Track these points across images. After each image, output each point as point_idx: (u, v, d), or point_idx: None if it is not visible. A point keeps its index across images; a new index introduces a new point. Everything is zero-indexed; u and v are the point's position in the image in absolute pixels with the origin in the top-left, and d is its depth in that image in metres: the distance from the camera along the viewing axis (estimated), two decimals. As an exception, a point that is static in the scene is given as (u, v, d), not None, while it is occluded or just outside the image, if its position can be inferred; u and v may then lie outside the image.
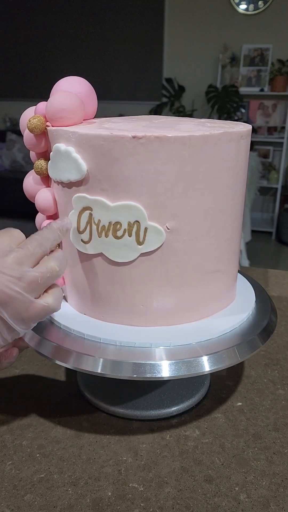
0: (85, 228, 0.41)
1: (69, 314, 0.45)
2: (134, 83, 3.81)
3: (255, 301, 0.49)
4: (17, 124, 4.20)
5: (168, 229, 0.39)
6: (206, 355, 0.39)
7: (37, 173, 0.43)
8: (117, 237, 0.39)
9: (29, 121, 0.40)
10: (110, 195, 0.38)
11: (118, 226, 0.39)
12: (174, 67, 3.64)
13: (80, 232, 0.41)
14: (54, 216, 0.45)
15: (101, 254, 0.41)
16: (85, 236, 0.41)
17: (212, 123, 0.44)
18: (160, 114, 3.57)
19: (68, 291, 0.47)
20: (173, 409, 0.48)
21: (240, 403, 0.50)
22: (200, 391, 0.50)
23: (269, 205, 3.79)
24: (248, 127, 0.42)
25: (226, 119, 3.33)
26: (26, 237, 0.37)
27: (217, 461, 0.42)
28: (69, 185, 0.41)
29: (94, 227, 0.40)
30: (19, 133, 4.14)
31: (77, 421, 0.47)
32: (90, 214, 0.40)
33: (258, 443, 0.45)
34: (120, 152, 0.37)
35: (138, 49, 3.70)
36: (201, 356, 0.39)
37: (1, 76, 4.16)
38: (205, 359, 0.39)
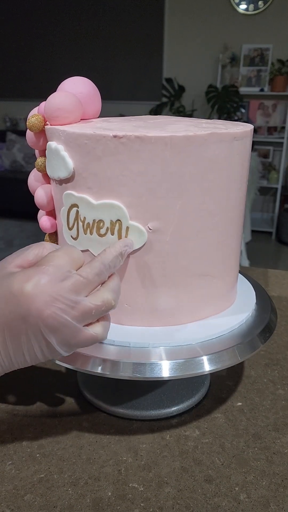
0: (73, 225, 0.41)
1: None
2: (134, 83, 3.81)
3: (255, 301, 0.49)
4: (17, 124, 4.20)
5: (150, 229, 0.39)
6: (206, 355, 0.39)
7: (38, 170, 0.45)
8: (100, 235, 0.39)
9: (29, 119, 0.41)
10: (94, 193, 0.39)
11: (102, 224, 0.39)
12: (174, 67, 3.64)
13: (69, 229, 0.42)
14: (52, 212, 0.46)
15: (87, 251, 0.41)
16: (74, 233, 0.42)
17: (209, 124, 0.43)
18: (160, 114, 3.57)
19: None
20: (173, 409, 0.48)
21: (240, 403, 0.50)
22: (200, 391, 0.50)
23: (269, 205, 3.79)
24: (247, 128, 0.42)
25: (226, 119, 3.33)
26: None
27: (217, 461, 0.42)
28: (60, 182, 0.42)
29: (80, 224, 0.41)
30: (19, 133, 4.17)
31: (77, 421, 0.47)
32: (77, 211, 0.41)
33: (258, 443, 0.45)
34: (103, 151, 0.37)
35: (138, 49, 3.70)
36: (201, 356, 0.39)
37: (1, 76, 4.16)
38: (205, 359, 0.39)
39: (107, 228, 0.39)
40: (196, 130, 0.38)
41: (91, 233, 0.40)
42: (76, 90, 0.42)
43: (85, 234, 0.40)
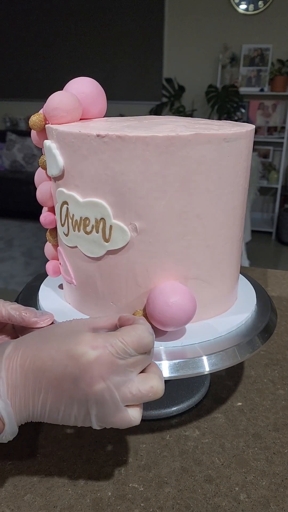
0: (65, 221, 0.42)
1: (68, 312, 0.45)
2: (134, 83, 3.81)
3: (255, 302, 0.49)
4: (17, 124, 4.20)
5: (137, 229, 0.38)
6: (206, 355, 0.39)
7: (41, 167, 0.46)
8: (87, 233, 0.40)
9: (30, 118, 0.42)
10: (81, 191, 0.40)
11: (87, 222, 0.40)
12: (174, 67, 3.64)
13: (62, 225, 0.43)
14: (53, 208, 0.47)
15: (77, 247, 0.42)
16: (65, 229, 0.43)
17: (202, 124, 0.42)
18: (160, 114, 3.57)
19: (64, 287, 0.48)
20: (173, 409, 0.48)
21: (240, 403, 0.50)
22: (200, 391, 0.51)
23: (269, 205, 3.79)
24: (242, 129, 0.40)
25: (226, 119, 3.33)
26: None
27: (217, 461, 0.42)
28: (54, 179, 0.43)
29: (70, 221, 0.41)
30: (19, 133, 4.17)
31: (77, 421, 0.47)
32: (67, 209, 0.41)
33: (258, 443, 0.45)
34: (87, 150, 0.37)
35: (138, 49, 3.70)
36: (201, 356, 0.39)
37: (1, 76, 4.16)
38: (205, 359, 0.39)
39: (93, 226, 0.39)
40: (181, 130, 0.37)
41: (78, 230, 0.41)
42: (78, 90, 0.43)
43: (74, 231, 0.41)
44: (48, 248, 0.49)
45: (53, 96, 0.41)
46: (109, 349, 0.32)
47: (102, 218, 0.39)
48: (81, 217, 0.40)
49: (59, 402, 0.33)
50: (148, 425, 0.47)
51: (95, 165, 0.38)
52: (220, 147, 0.38)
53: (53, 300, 0.48)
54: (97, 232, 0.39)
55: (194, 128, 0.39)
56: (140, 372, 0.35)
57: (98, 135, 0.36)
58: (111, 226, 0.39)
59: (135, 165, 0.36)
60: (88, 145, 0.37)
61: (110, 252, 0.40)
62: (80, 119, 0.45)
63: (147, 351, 0.34)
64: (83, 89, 0.44)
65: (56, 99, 0.41)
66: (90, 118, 0.46)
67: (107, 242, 0.39)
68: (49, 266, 0.49)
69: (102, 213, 0.39)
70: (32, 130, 0.44)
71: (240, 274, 0.53)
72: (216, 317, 0.45)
